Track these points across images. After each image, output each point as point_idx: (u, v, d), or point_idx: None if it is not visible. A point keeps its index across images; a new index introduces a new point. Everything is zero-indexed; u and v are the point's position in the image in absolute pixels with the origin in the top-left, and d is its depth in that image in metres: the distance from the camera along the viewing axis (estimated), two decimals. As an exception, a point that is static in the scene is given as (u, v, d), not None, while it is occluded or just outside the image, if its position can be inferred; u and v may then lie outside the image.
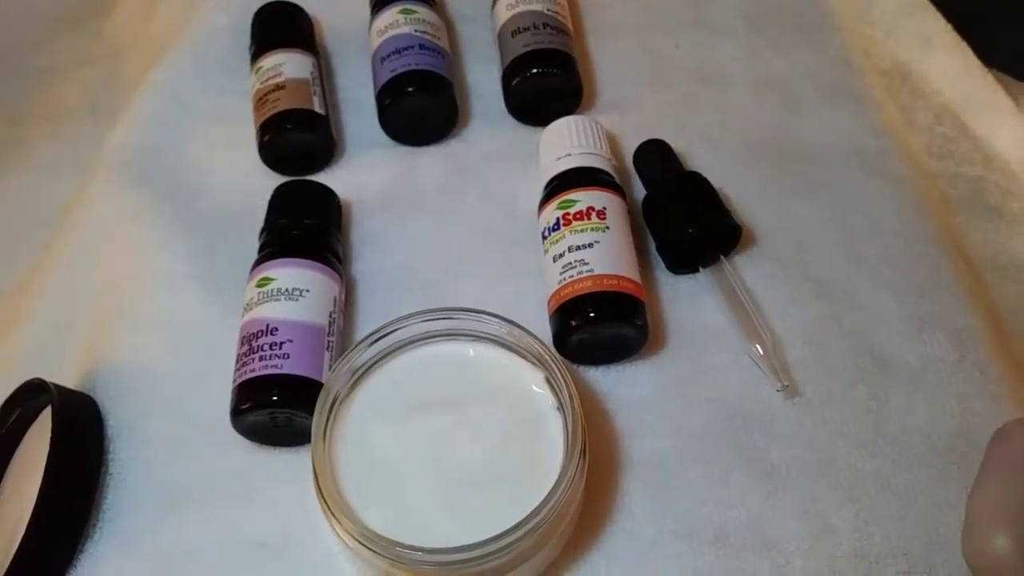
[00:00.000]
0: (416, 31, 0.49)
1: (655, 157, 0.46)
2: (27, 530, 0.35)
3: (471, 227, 0.47)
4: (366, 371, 0.36)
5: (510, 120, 0.50)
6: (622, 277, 0.39)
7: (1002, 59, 0.59)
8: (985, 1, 0.63)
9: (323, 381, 0.37)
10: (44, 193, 0.56)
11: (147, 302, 0.44)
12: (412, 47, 0.48)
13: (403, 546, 0.30)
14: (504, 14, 0.50)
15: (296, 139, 0.47)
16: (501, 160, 0.49)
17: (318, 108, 0.48)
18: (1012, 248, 0.51)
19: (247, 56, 0.52)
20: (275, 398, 0.37)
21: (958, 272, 0.45)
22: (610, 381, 0.40)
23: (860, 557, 0.35)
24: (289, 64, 0.49)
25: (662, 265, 0.44)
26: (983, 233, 0.51)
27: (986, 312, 0.44)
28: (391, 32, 0.49)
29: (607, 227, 0.40)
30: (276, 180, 0.48)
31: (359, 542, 0.31)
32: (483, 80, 0.52)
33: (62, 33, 0.66)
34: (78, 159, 0.54)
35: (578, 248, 0.39)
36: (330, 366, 0.38)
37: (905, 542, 0.36)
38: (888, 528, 0.36)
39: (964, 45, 0.58)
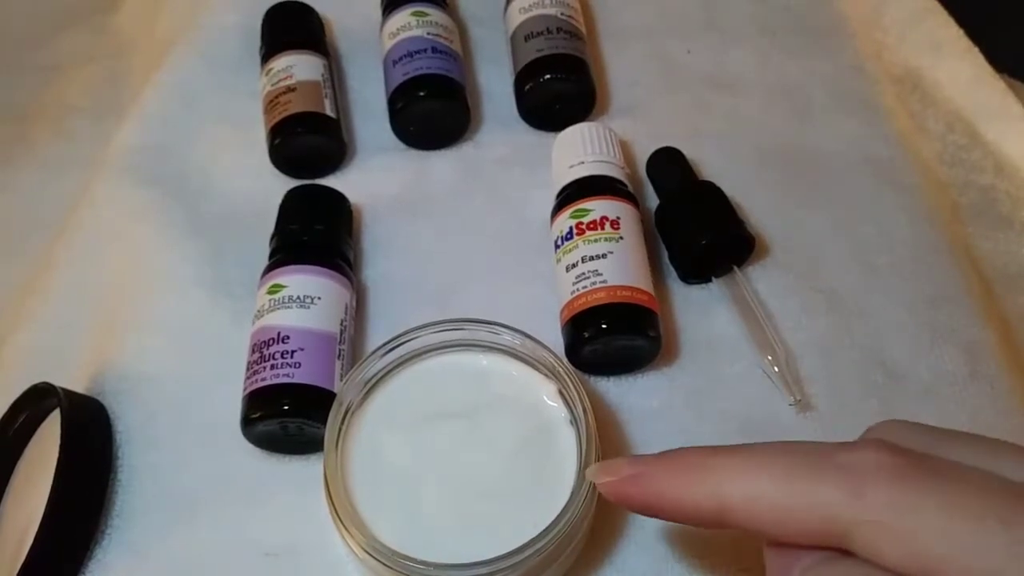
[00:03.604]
0: (428, 34, 0.49)
1: (668, 165, 0.46)
2: (37, 536, 0.34)
3: (482, 232, 0.46)
4: (378, 381, 0.36)
5: (522, 124, 0.50)
6: (635, 288, 0.39)
7: (1013, 65, 0.59)
8: (996, 6, 0.63)
9: (334, 390, 0.37)
10: (49, 192, 0.55)
11: (154, 305, 0.44)
12: (424, 50, 0.48)
13: (414, 560, 0.30)
14: (517, 17, 0.50)
15: (307, 143, 0.47)
16: (512, 165, 0.49)
17: (329, 111, 0.48)
18: (1022, 258, 0.51)
19: (257, 56, 0.52)
20: (286, 407, 0.36)
21: (969, 283, 0.45)
22: (621, 391, 0.40)
23: (871, 572, 0.35)
24: (300, 66, 0.48)
25: (674, 274, 0.44)
26: (993, 243, 0.51)
27: (997, 324, 0.44)
28: (403, 35, 0.49)
29: (620, 237, 0.40)
30: (286, 181, 0.48)
31: (369, 554, 0.31)
32: (495, 83, 0.52)
33: (67, 29, 0.65)
34: (83, 157, 0.54)
35: (592, 258, 0.39)
36: (341, 375, 0.38)
37: (916, 558, 0.36)
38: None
39: (976, 51, 0.57)
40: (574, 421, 0.34)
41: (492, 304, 0.41)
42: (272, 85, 0.48)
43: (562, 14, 0.49)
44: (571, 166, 0.44)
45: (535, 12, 0.49)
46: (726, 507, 0.22)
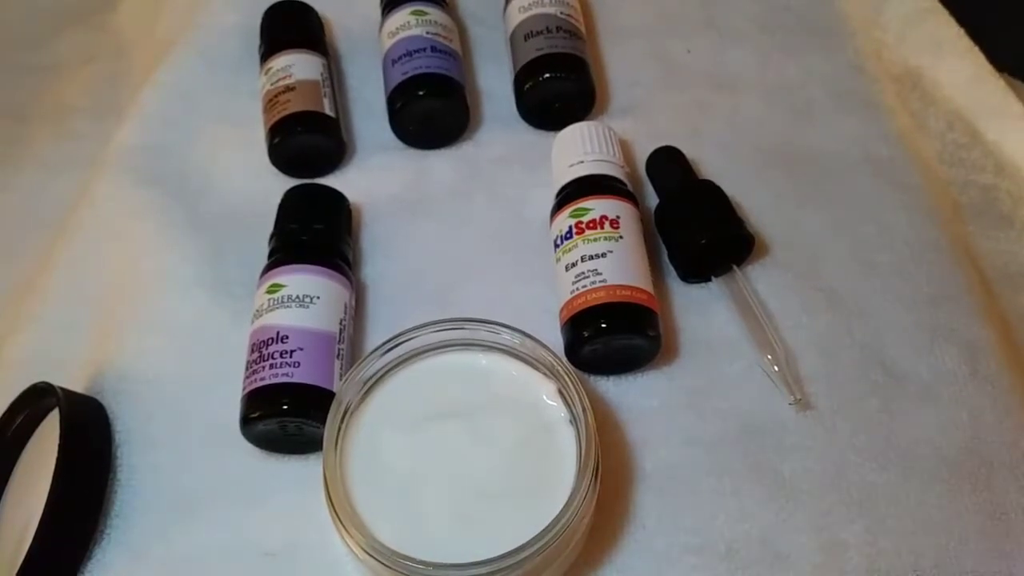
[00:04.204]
0: (428, 33, 0.49)
1: (668, 164, 0.46)
2: (36, 536, 0.34)
3: (481, 231, 0.46)
4: (378, 380, 0.36)
5: (521, 123, 0.50)
6: (635, 288, 0.39)
7: (1013, 64, 0.59)
8: (996, 6, 0.62)
9: (333, 389, 0.37)
10: (49, 192, 0.55)
11: (154, 305, 0.44)
12: (423, 49, 0.48)
13: (413, 560, 0.30)
14: (516, 16, 0.50)
15: (306, 142, 0.47)
16: (512, 164, 0.49)
17: (328, 110, 0.48)
18: (1023, 257, 0.50)
19: (256, 55, 0.52)
20: (285, 407, 0.36)
21: (970, 282, 0.45)
22: (621, 391, 0.40)
23: (871, 572, 0.35)
24: (299, 65, 0.48)
25: (673, 274, 0.44)
26: (994, 242, 0.51)
27: (997, 323, 0.44)
28: (402, 34, 0.49)
29: (620, 236, 0.40)
30: (285, 181, 0.48)
31: (368, 554, 0.31)
32: (494, 83, 0.52)
33: (66, 29, 0.65)
34: (83, 157, 0.54)
35: (591, 258, 0.39)
36: (340, 374, 0.38)
37: (915, 557, 0.36)
38: (898, 542, 0.36)
39: (976, 50, 0.57)
40: (574, 420, 0.34)
41: (491, 303, 0.41)
42: (271, 84, 0.48)
43: (561, 13, 0.49)
44: (571, 165, 0.44)
45: (535, 11, 0.49)
46: None
